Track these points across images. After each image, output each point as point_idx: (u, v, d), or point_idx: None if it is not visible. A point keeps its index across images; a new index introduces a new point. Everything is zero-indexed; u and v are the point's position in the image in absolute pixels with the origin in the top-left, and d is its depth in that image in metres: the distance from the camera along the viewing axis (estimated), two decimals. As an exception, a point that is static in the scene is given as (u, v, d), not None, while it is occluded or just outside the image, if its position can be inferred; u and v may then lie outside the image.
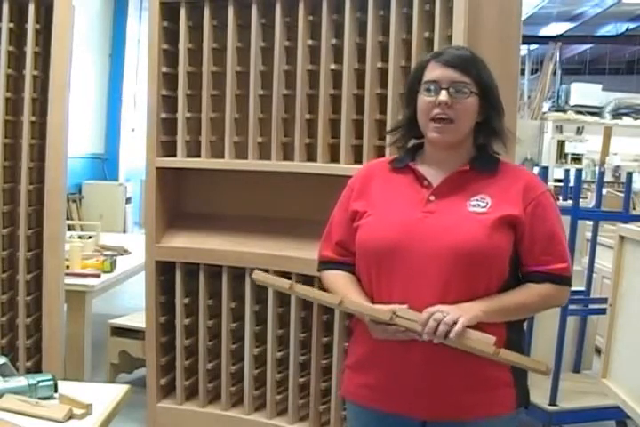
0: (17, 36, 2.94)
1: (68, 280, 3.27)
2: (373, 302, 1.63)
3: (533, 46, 13.83)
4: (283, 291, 1.67)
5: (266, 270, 2.96)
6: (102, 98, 9.87)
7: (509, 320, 1.64)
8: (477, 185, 1.64)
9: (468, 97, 1.61)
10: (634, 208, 5.36)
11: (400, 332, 1.55)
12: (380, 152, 2.77)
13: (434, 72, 1.63)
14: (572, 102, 10.62)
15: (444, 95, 1.60)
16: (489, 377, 1.61)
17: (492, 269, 1.59)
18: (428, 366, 1.58)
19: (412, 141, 1.78)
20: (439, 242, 1.58)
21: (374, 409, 1.67)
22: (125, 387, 1.98)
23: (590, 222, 3.70)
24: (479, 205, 1.62)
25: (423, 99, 1.63)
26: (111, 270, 3.83)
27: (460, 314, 1.51)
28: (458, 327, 1.49)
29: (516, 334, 1.67)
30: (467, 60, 1.64)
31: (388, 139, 2.20)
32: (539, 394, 3.05)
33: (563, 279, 1.66)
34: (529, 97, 11.34)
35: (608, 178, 8.22)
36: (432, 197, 1.64)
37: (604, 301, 2.61)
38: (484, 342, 1.52)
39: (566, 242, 1.69)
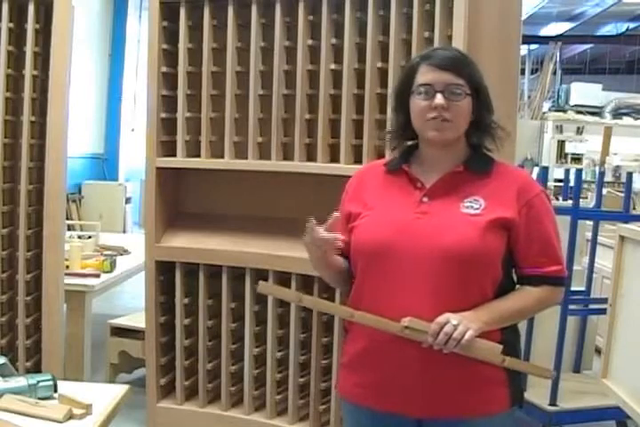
0: (17, 36, 2.93)
1: (68, 280, 3.27)
2: (367, 302, 1.64)
3: (533, 46, 13.82)
4: (291, 301, 1.67)
5: (265, 271, 2.98)
6: (102, 98, 9.87)
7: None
8: (471, 186, 1.65)
9: (463, 98, 1.61)
10: (634, 208, 5.35)
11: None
12: (380, 152, 2.77)
13: (427, 75, 1.62)
14: (572, 102, 10.63)
15: (439, 98, 1.59)
16: (483, 376, 1.62)
17: (484, 271, 1.60)
18: (423, 364, 1.59)
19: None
20: (432, 243, 1.58)
21: (369, 408, 1.68)
22: (125, 387, 1.97)
23: (590, 222, 3.69)
24: (472, 206, 1.62)
25: (418, 103, 1.63)
26: (111, 270, 3.83)
27: (468, 327, 1.52)
28: (464, 342, 1.52)
29: (511, 335, 1.68)
30: (458, 61, 1.64)
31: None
32: (539, 394, 3.05)
33: (558, 281, 1.69)
34: (529, 97, 11.33)
35: (608, 178, 8.22)
36: (425, 199, 1.65)
37: (604, 301, 2.61)
38: (491, 352, 1.57)
39: (560, 243, 1.70)
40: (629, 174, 3.45)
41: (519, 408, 1.72)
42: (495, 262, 1.61)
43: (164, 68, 3.03)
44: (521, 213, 1.62)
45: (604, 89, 10.87)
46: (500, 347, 1.57)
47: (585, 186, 7.29)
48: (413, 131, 1.68)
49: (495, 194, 1.63)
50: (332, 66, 2.87)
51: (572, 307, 3.16)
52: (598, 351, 3.46)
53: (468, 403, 1.62)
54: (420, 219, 1.62)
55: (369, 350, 1.65)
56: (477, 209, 1.61)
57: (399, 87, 1.71)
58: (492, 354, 1.57)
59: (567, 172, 3.75)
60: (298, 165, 2.92)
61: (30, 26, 2.86)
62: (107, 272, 3.79)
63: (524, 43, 9.16)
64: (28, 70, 2.88)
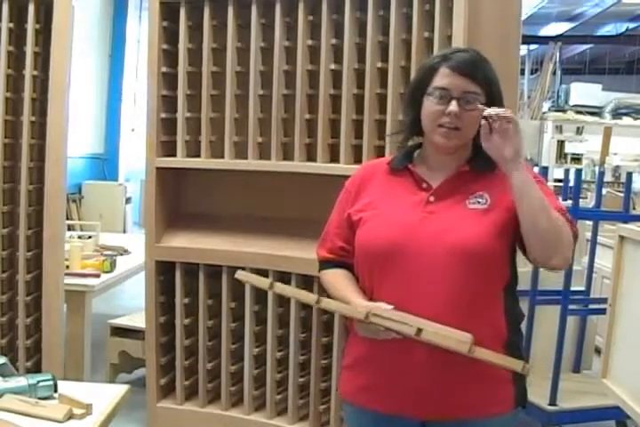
0: (17, 36, 2.94)
1: (68, 280, 3.27)
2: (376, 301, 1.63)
3: (533, 46, 13.82)
4: (263, 288, 1.71)
5: (265, 271, 2.98)
6: (102, 98, 9.87)
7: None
8: (477, 185, 1.65)
9: (476, 108, 1.60)
10: (634, 208, 5.34)
11: (381, 331, 1.53)
12: (379, 152, 2.77)
13: (445, 79, 1.60)
14: (571, 102, 10.63)
15: (454, 106, 1.58)
16: (489, 376, 1.60)
17: (493, 267, 1.59)
18: (429, 366, 1.58)
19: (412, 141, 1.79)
20: (440, 241, 1.58)
21: (373, 410, 1.67)
22: (125, 387, 1.97)
23: (590, 222, 3.69)
24: (479, 202, 1.62)
25: (431, 105, 1.62)
26: (111, 270, 3.83)
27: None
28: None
29: (516, 335, 1.67)
30: (477, 65, 1.62)
31: (389, 140, 2.19)
32: (539, 394, 3.05)
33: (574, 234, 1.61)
34: (529, 97, 11.32)
35: (608, 178, 8.22)
36: (432, 198, 1.64)
37: (604, 301, 2.61)
38: (458, 340, 1.47)
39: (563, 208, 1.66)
40: (629, 174, 3.45)
41: (522, 409, 1.71)
42: (504, 258, 1.61)
43: (164, 68, 3.03)
44: None
45: (603, 89, 10.87)
46: (470, 336, 1.47)
47: (585, 186, 7.29)
48: (421, 129, 1.67)
49: (501, 190, 1.62)
50: (332, 66, 2.87)
51: (571, 307, 3.16)
52: (598, 351, 3.46)
53: (473, 404, 1.61)
54: (428, 218, 1.61)
55: (375, 351, 1.63)
56: (484, 204, 1.61)
57: (415, 85, 1.68)
58: (458, 343, 1.46)
59: (567, 172, 3.75)
60: (298, 165, 2.92)
61: (30, 26, 2.87)
62: (107, 272, 3.79)
63: (523, 43, 9.18)
64: (28, 70, 2.88)
